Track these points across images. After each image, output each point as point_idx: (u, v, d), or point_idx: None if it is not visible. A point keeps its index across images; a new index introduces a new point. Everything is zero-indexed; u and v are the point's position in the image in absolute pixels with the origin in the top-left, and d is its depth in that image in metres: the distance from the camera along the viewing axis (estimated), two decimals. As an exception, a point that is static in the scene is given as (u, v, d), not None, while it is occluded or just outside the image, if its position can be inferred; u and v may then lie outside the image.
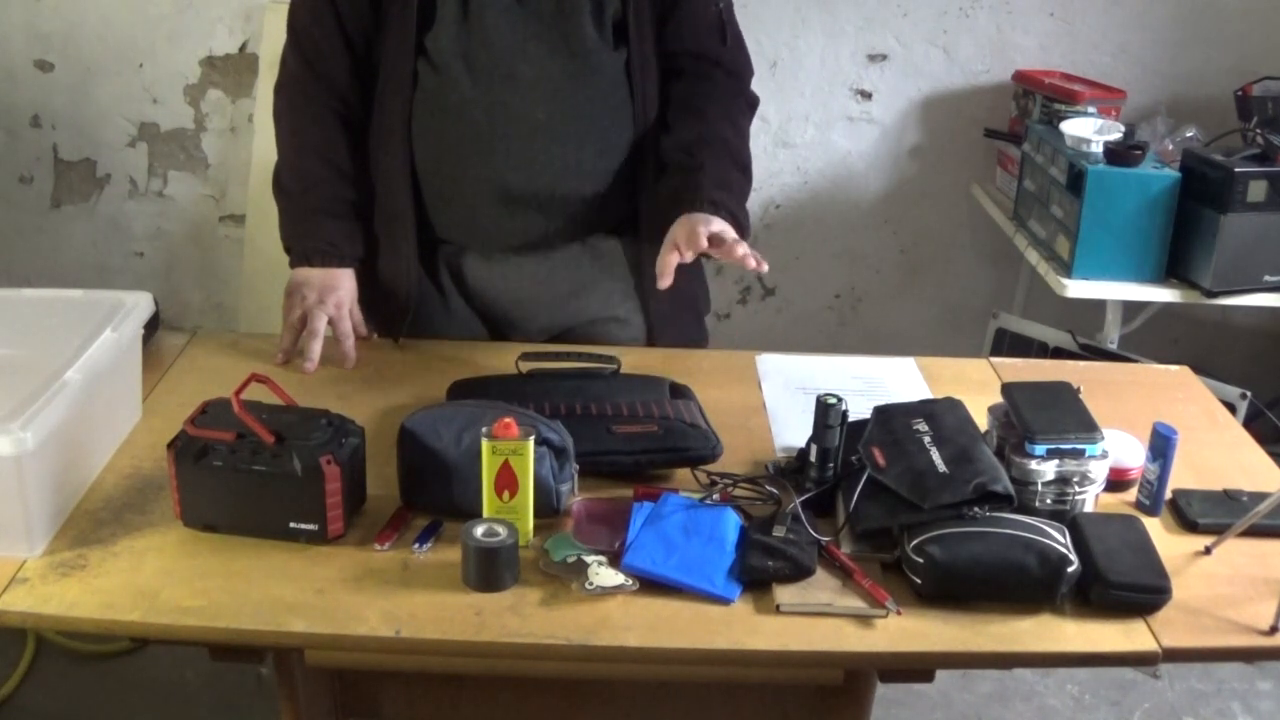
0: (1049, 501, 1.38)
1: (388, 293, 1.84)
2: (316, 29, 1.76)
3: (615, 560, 1.30)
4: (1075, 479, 1.37)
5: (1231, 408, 2.43)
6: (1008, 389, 1.47)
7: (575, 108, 1.74)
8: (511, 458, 1.30)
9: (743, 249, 1.59)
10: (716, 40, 1.82)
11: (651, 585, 1.27)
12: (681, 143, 1.78)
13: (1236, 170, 2.38)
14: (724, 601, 1.26)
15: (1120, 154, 2.48)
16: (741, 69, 1.87)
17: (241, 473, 1.31)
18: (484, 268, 1.85)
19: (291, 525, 1.32)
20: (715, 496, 1.42)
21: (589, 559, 1.30)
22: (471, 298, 1.88)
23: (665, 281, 1.62)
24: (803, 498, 1.40)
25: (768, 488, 1.45)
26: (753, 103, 1.89)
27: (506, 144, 1.73)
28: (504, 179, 1.75)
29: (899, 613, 1.25)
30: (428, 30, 1.71)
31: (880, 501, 1.35)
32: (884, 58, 3.06)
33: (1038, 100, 2.87)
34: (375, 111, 1.79)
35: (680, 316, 1.93)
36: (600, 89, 1.76)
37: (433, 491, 1.38)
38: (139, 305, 1.54)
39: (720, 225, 1.64)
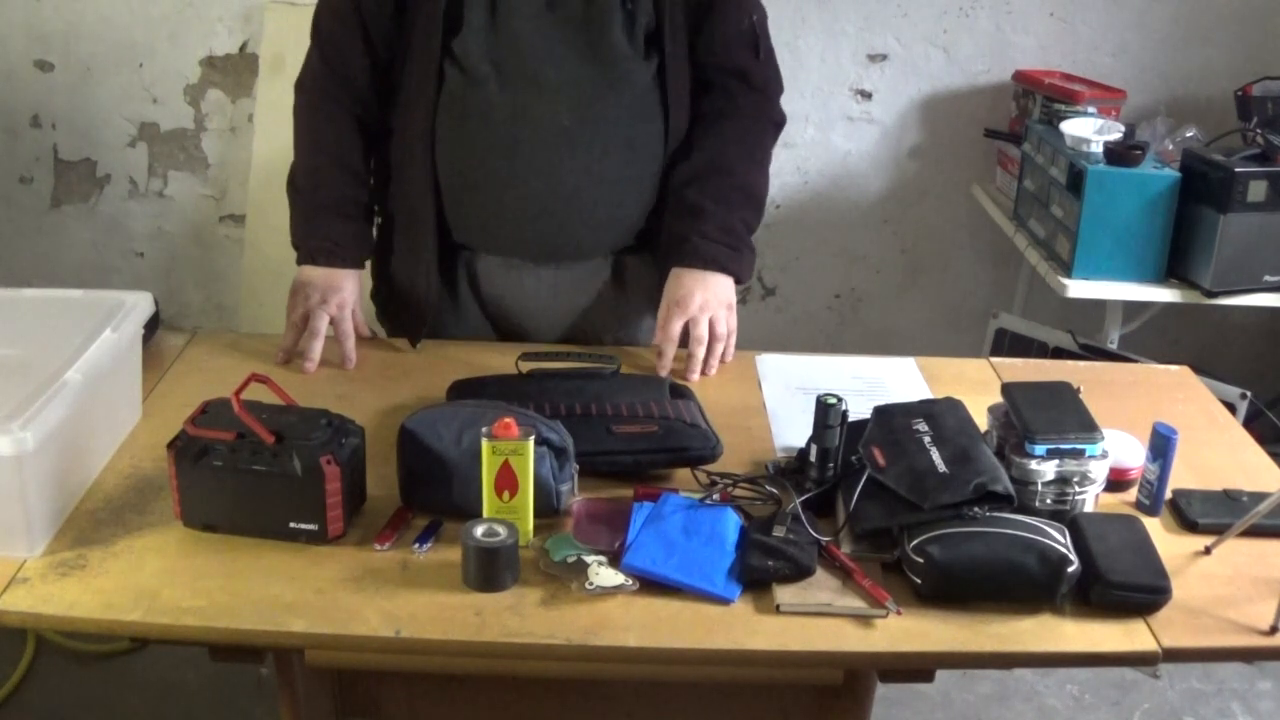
0: (1049, 501, 1.37)
1: (406, 296, 1.84)
2: (339, 30, 1.76)
3: (615, 560, 1.30)
4: (1075, 479, 1.37)
5: (1231, 408, 2.43)
6: (1008, 389, 1.47)
7: (601, 114, 1.73)
8: (511, 458, 1.30)
9: (699, 362, 1.75)
10: (749, 53, 1.80)
11: (651, 585, 1.27)
12: (693, 172, 1.79)
13: (1236, 170, 2.38)
14: (724, 601, 1.26)
15: (1120, 154, 2.48)
16: (770, 85, 1.85)
17: (241, 473, 1.31)
18: (502, 275, 1.84)
19: (291, 525, 1.32)
20: (715, 496, 1.42)
21: (589, 559, 1.30)
22: (486, 304, 1.88)
23: (664, 370, 1.74)
24: (803, 498, 1.40)
25: (768, 488, 1.45)
26: (779, 121, 1.88)
27: (530, 148, 1.72)
28: (526, 184, 1.74)
29: (899, 613, 1.25)
30: (454, 35, 1.70)
31: (880, 501, 1.35)
32: (884, 58, 3.06)
33: (1038, 100, 2.87)
34: (398, 115, 1.78)
35: None
36: (628, 97, 1.74)
37: (433, 491, 1.38)
38: (139, 305, 1.54)
39: (703, 325, 1.75)
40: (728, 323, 1.79)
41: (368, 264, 1.88)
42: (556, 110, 1.71)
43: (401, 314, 1.86)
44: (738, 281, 1.81)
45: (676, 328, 1.75)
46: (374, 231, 1.89)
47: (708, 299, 1.76)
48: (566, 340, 1.89)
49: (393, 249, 1.85)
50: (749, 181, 1.83)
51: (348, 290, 1.80)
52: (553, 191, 1.74)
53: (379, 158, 1.84)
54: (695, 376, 1.75)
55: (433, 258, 1.80)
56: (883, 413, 1.48)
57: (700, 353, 1.76)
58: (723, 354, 1.79)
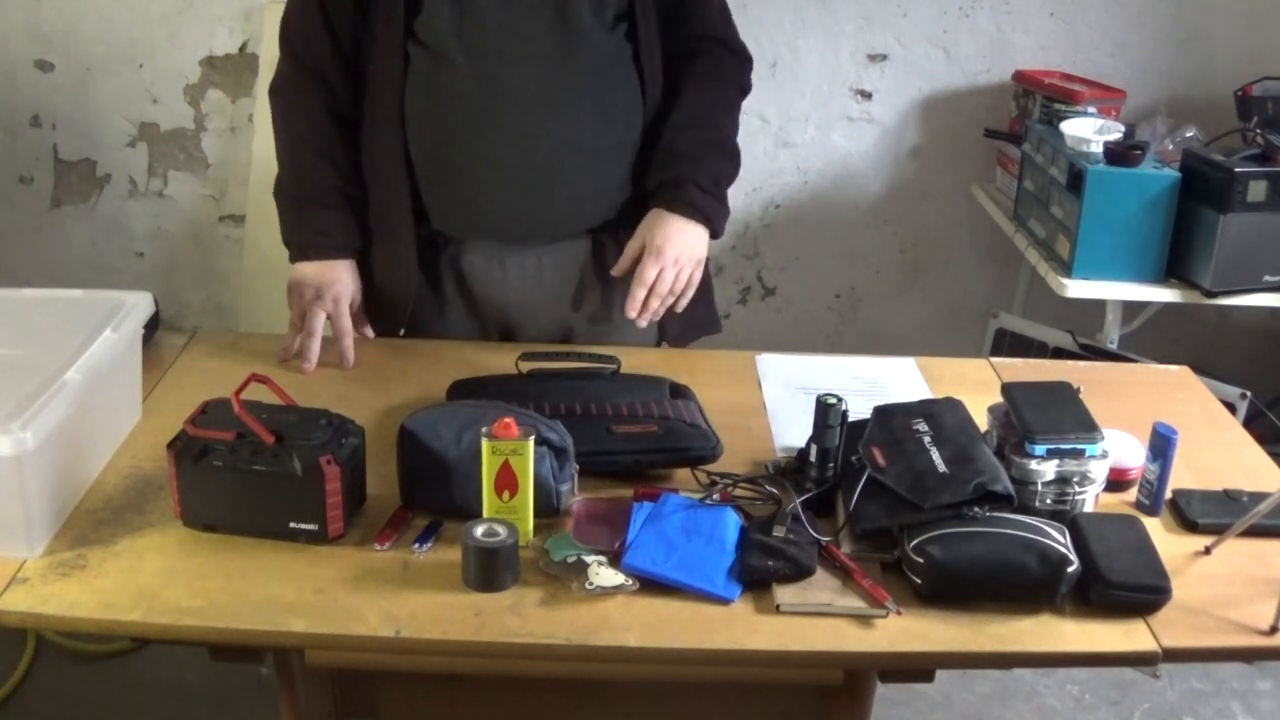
0: (1049, 501, 1.38)
1: (386, 288, 1.84)
2: (305, 26, 1.77)
3: (615, 560, 1.30)
4: (1075, 479, 1.37)
5: (1231, 408, 2.43)
6: (1008, 389, 1.47)
7: (570, 82, 1.73)
8: (511, 458, 1.30)
9: (652, 306, 1.75)
10: (726, 23, 1.88)
11: (651, 585, 1.27)
12: (684, 122, 1.82)
13: (1236, 170, 2.38)
14: (724, 601, 1.26)
15: (1120, 154, 2.48)
16: (745, 51, 1.91)
17: (241, 473, 1.31)
18: (485, 267, 1.84)
19: (291, 525, 1.32)
20: (715, 496, 1.42)
21: (589, 559, 1.30)
22: (475, 302, 1.87)
23: (632, 312, 1.74)
24: (803, 498, 1.40)
25: (768, 488, 1.45)
26: (747, 88, 1.93)
27: (502, 119, 1.72)
28: (501, 155, 1.74)
29: (899, 613, 1.25)
30: (416, 16, 1.71)
31: (880, 501, 1.35)
32: (884, 58, 3.06)
33: (1038, 100, 2.87)
34: (367, 104, 1.79)
35: (692, 306, 1.92)
36: (596, 64, 1.75)
37: (433, 491, 1.38)
38: (139, 305, 1.54)
39: (670, 273, 1.74)
40: (693, 278, 1.79)
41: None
42: (525, 79, 1.71)
43: (381, 305, 1.86)
44: (713, 236, 1.83)
45: (652, 275, 1.74)
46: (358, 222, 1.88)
47: (683, 251, 1.77)
48: (557, 328, 1.90)
49: (370, 240, 1.84)
50: (732, 139, 1.87)
51: (342, 284, 1.80)
52: (527, 162, 1.74)
53: (357, 148, 1.84)
54: (635, 316, 1.75)
55: (410, 243, 1.80)
56: (883, 413, 1.48)
57: (655, 304, 1.76)
58: (673, 305, 1.79)
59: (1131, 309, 2.74)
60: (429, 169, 1.78)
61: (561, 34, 1.71)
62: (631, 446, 1.48)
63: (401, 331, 1.87)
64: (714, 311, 1.98)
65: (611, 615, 1.24)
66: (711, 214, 1.80)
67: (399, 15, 1.71)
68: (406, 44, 1.72)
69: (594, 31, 1.73)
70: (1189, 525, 1.44)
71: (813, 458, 1.43)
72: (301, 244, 1.81)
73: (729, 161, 1.86)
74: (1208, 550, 1.39)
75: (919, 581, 1.27)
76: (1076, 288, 2.52)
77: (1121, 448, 1.49)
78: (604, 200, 1.83)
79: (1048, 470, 1.37)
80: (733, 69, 1.89)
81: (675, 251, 1.76)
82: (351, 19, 1.75)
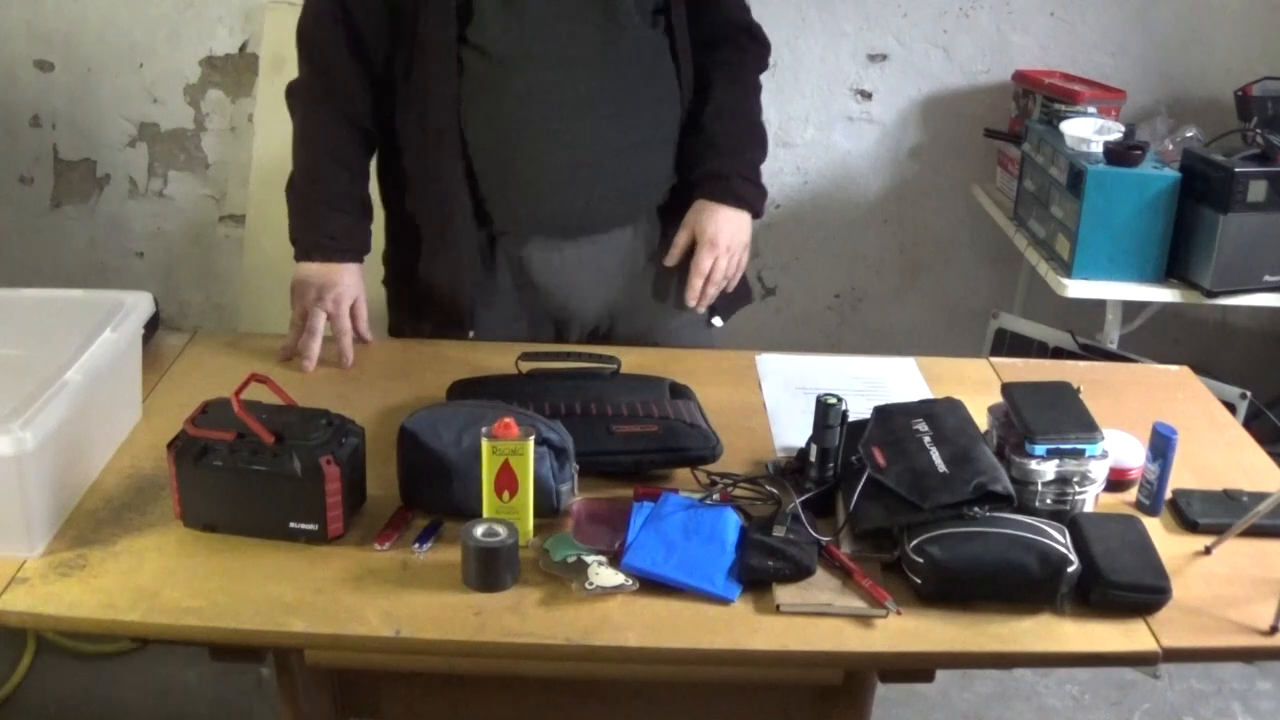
0: (1049, 501, 1.38)
1: (448, 294, 1.84)
2: (324, 36, 1.77)
3: (615, 560, 1.30)
4: (1075, 479, 1.37)
5: (1231, 408, 2.42)
6: (1008, 389, 1.47)
7: (621, 82, 1.78)
8: (511, 458, 1.30)
9: (710, 293, 1.88)
10: (747, 11, 1.96)
11: (651, 585, 1.27)
12: (719, 111, 1.90)
13: (1236, 170, 2.37)
14: (724, 601, 1.26)
15: (1120, 154, 2.48)
16: (763, 36, 1.98)
17: (241, 473, 1.31)
18: (543, 257, 1.85)
19: (291, 525, 1.32)
20: (715, 496, 1.42)
21: (589, 559, 1.30)
22: (530, 290, 1.88)
23: (693, 301, 1.87)
24: (803, 498, 1.40)
25: (768, 488, 1.45)
26: (764, 69, 2.01)
27: (558, 121, 1.75)
28: (559, 156, 1.77)
29: (899, 613, 1.25)
30: (467, 24, 1.72)
31: (880, 501, 1.35)
32: (884, 58, 3.06)
33: (1038, 100, 2.87)
34: (410, 118, 1.79)
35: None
36: (644, 64, 1.80)
37: (433, 491, 1.38)
38: (139, 305, 1.54)
39: (724, 261, 1.86)
40: (742, 262, 1.91)
41: (369, 265, 1.88)
42: (578, 83, 1.75)
43: (438, 313, 1.86)
44: (755, 217, 1.92)
45: (708, 265, 1.85)
46: (371, 228, 1.88)
47: (733, 239, 1.87)
48: (610, 309, 1.93)
49: (419, 253, 1.85)
50: (761, 123, 1.97)
51: (345, 286, 1.80)
52: (583, 162, 1.78)
53: (390, 166, 1.85)
54: (695, 304, 1.87)
55: (473, 245, 1.82)
56: (883, 413, 1.48)
57: (713, 291, 1.88)
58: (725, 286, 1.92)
59: (1131, 309, 2.74)
60: (489, 171, 1.79)
61: (610, 33, 1.75)
62: (631, 446, 1.48)
63: (471, 334, 1.87)
64: (748, 284, 2.05)
65: (611, 615, 1.24)
66: (754, 200, 1.90)
67: (452, 23, 1.71)
68: (460, 50, 1.73)
69: (639, 29, 1.77)
70: (1189, 525, 1.44)
71: (813, 458, 1.43)
72: (308, 244, 1.81)
73: (762, 146, 1.96)
74: (1208, 550, 1.39)
75: (919, 581, 1.27)
76: (1076, 288, 2.52)
77: (1121, 448, 1.49)
78: (653, 191, 1.89)
79: (1048, 470, 1.37)
80: (755, 54, 1.96)
81: (726, 241, 1.85)
82: (380, 28, 1.75)
